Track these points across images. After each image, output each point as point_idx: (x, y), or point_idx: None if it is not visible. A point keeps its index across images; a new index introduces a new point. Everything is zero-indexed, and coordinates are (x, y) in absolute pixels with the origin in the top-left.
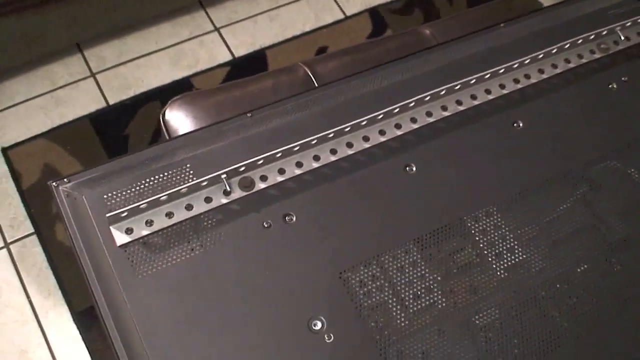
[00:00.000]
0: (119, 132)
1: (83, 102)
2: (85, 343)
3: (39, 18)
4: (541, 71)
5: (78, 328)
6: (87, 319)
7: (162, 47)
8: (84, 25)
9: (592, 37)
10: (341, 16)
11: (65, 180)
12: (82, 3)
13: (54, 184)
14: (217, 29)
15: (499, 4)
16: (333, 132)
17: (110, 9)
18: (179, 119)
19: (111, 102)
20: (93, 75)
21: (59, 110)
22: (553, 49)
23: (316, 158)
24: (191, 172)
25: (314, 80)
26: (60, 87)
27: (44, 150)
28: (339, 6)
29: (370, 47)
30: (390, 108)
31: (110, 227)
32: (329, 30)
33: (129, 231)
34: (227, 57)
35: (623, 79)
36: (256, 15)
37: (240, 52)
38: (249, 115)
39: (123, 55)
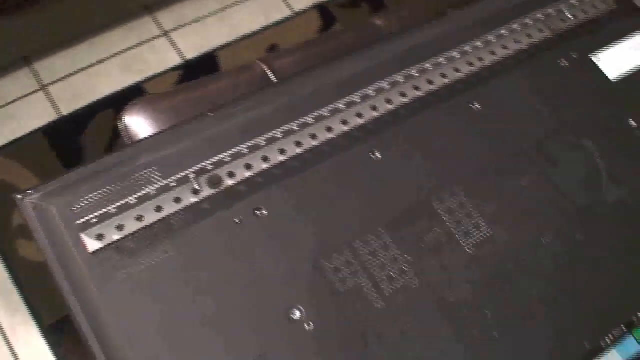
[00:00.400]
0: (74, 142)
1: (35, 115)
2: (56, 357)
3: None
4: (493, 53)
5: (48, 343)
6: (57, 333)
7: (112, 54)
8: (31, 38)
9: (540, 16)
10: (290, 13)
11: (30, 192)
12: (28, 16)
13: (19, 197)
14: (165, 34)
15: None
16: (297, 124)
17: (58, 20)
18: (139, 124)
19: (64, 113)
20: (44, 87)
21: (11, 125)
22: (503, 31)
23: (282, 152)
24: (158, 174)
25: (272, 76)
26: (11, 102)
27: None
28: (287, 4)
29: (326, 41)
30: (352, 98)
31: (81, 235)
32: (279, 28)
33: (100, 237)
34: (178, 61)
35: (573, 55)
36: (204, 18)
37: (191, 55)
38: (210, 114)
39: (73, 66)
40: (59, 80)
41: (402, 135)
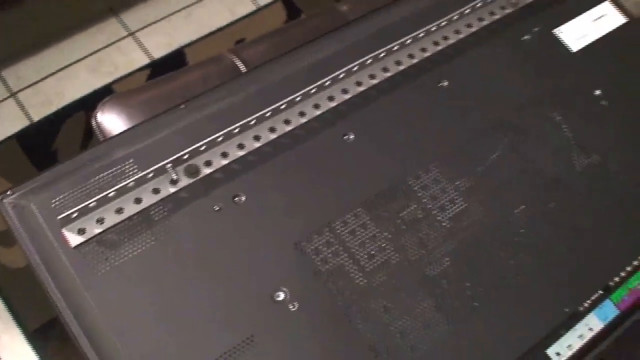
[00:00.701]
0: (47, 147)
1: (7, 122)
2: None
3: None
4: (458, 32)
5: (33, 348)
6: (41, 338)
7: (80, 57)
8: None
9: None
10: (254, 7)
11: (8, 193)
12: None
13: None
14: (131, 34)
15: None
16: (270, 110)
17: (23, 26)
18: (112, 121)
19: (35, 119)
20: (13, 94)
21: None
22: (466, 10)
23: (256, 138)
24: (135, 166)
25: (242, 66)
26: None
27: None
28: None
29: (293, 29)
30: (322, 82)
31: (63, 230)
32: (245, 22)
33: (81, 231)
34: (146, 60)
35: (534, 29)
36: (169, 16)
37: (158, 53)
38: (182, 107)
39: (41, 71)
40: (28, 86)
41: (374, 117)
